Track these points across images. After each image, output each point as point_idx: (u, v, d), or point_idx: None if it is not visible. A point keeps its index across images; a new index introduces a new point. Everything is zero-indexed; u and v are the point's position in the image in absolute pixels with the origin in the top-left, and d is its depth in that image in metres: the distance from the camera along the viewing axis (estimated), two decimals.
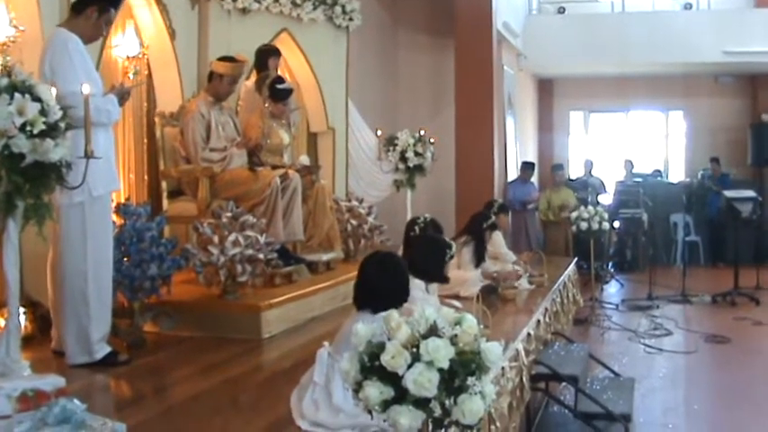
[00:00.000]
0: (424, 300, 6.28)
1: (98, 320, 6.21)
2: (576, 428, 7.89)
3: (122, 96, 6.42)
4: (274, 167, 8.66)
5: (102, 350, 6.23)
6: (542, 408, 8.36)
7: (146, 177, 8.84)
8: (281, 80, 9.25)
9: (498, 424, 5.86)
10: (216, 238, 7.20)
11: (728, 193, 16.12)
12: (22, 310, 5.50)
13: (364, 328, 3.31)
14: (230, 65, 8.48)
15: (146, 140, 8.84)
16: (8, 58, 6.67)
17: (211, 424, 5.03)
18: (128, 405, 5.51)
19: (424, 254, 6.86)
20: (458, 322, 3.27)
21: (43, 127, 4.87)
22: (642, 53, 18.15)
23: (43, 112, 4.91)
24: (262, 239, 7.45)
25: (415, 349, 3.16)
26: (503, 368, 6.18)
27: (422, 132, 11.93)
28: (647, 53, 18.12)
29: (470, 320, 3.28)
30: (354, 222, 10.12)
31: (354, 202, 10.37)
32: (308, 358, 5.67)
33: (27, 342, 5.81)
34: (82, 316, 6.14)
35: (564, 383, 8.04)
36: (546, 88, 22.17)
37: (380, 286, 4.92)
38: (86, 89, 5.37)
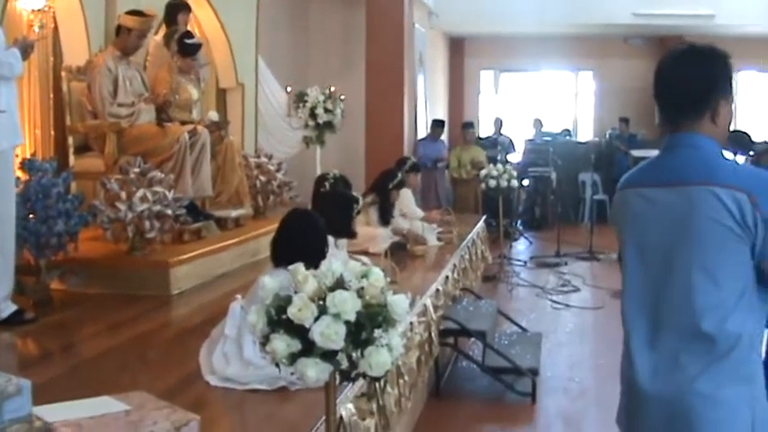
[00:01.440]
0: (333, 255, 6.29)
1: (1, 278, 6.11)
2: (484, 383, 7.99)
3: (26, 50, 6.29)
4: (183, 123, 8.58)
5: (8, 308, 6.14)
6: (451, 363, 8.44)
7: (52, 132, 8.68)
8: (189, 35, 9.15)
9: (407, 378, 5.92)
10: (123, 195, 7.11)
11: (636, 153, 16.36)
12: None
13: (272, 281, 3.31)
14: (139, 19, 8.35)
15: (52, 95, 8.66)
16: None
17: (119, 380, 4.99)
18: (34, 363, 5.48)
19: (332, 209, 6.86)
20: (364, 275, 3.27)
21: None
22: (554, 13, 18.23)
23: None
24: (170, 195, 7.38)
25: (321, 302, 3.16)
26: (411, 323, 6.24)
27: (332, 89, 11.90)
28: (559, 13, 18.21)
29: (377, 273, 3.29)
30: (263, 179, 10.07)
31: (263, 159, 10.32)
32: (218, 314, 5.68)
33: None
34: None
35: (472, 339, 8.13)
36: (457, 47, 22.21)
37: (301, 242, 4.93)
38: None
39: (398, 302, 3.26)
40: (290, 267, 3.30)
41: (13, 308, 6.18)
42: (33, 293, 6.70)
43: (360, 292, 3.21)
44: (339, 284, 3.22)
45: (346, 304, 3.13)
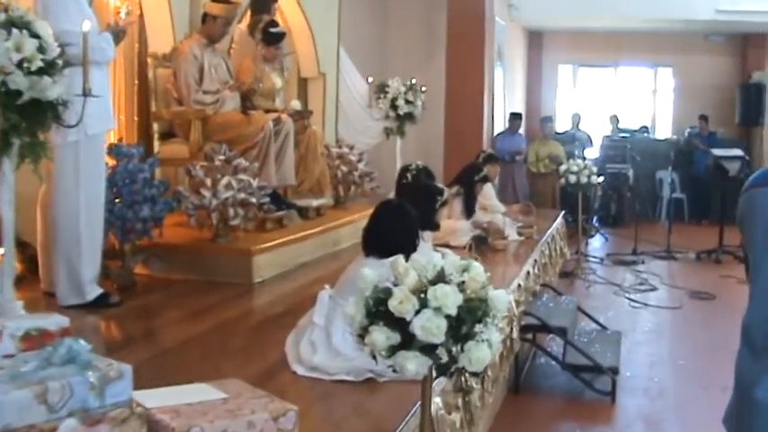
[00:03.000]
0: (420, 247, 6.27)
1: (89, 261, 6.17)
2: (563, 380, 7.93)
3: (118, 35, 6.35)
4: (267, 111, 8.60)
5: (94, 291, 6.20)
6: (530, 359, 8.39)
7: (136, 119, 8.74)
8: (274, 24, 9.17)
9: (490, 373, 5.88)
10: (208, 181, 7.15)
11: (717, 152, 16.13)
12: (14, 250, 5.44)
13: (371, 272, 3.29)
14: (224, 6, 8.38)
15: (136, 81, 8.73)
16: None
17: (203, 368, 5.00)
18: (119, 347, 5.49)
19: (416, 200, 6.81)
20: (465, 269, 3.25)
21: (41, 64, 4.81)
22: (634, 8, 18.03)
23: (41, 49, 4.85)
24: (254, 183, 7.40)
25: (422, 295, 3.14)
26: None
27: (413, 80, 11.87)
28: (639, 8, 18.00)
29: (478, 267, 3.26)
30: (345, 169, 10.07)
31: (345, 149, 10.33)
32: (299, 303, 5.70)
33: (17, 282, 5.75)
34: (73, 256, 6.10)
35: (551, 335, 8.07)
36: (536, 41, 22.06)
37: (393, 233, 4.92)
38: (86, 26, 5.30)
39: (499, 297, 3.23)
40: (390, 259, 3.28)
41: (98, 291, 6.24)
42: (118, 277, 6.75)
43: (461, 286, 3.18)
44: (440, 278, 3.19)
45: (448, 298, 3.10)
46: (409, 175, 8.18)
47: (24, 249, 6.80)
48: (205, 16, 8.45)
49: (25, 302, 5.34)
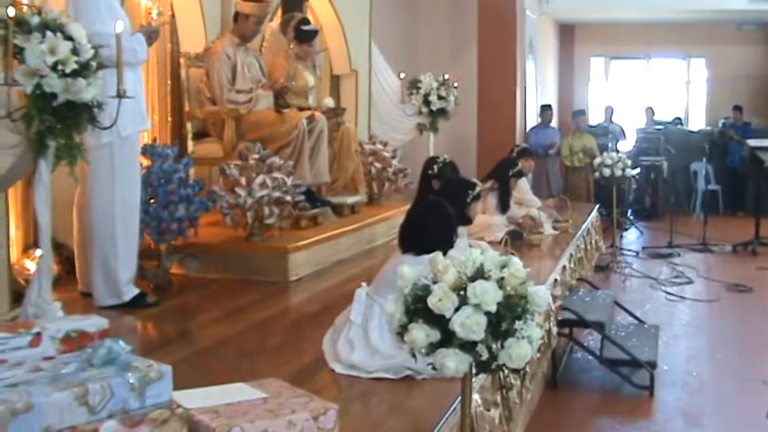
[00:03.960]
0: (456, 243, 6.26)
1: (125, 262, 6.19)
2: (600, 374, 7.89)
3: (150, 36, 6.37)
4: (300, 109, 8.60)
5: (131, 292, 6.22)
6: (567, 353, 8.35)
7: (169, 119, 8.78)
8: (306, 21, 9.18)
9: (528, 369, 5.85)
10: (243, 180, 7.16)
11: (752, 143, 16.02)
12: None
13: (410, 270, 3.29)
14: (256, 4, 8.39)
15: (170, 82, 8.76)
16: None
17: (240, 368, 5.01)
18: (156, 347, 5.50)
19: (448, 195, 6.79)
20: (504, 265, 3.23)
21: (75, 66, 4.82)
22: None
23: (75, 51, 4.86)
24: (289, 181, 7.40)
25: (462, 292, 3.12)
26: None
27: (445, 76, 11.85)
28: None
29: (517, 263, 3.25)
30: (378, 165, 10.08)
31: (378, 146, 10.32)
32: (336, 301, 5.69)
33: (54, 284, 5.77)
34: (109, 257, 6.12)
35: (588, 329, 8.03)
36: (567, 34, 22.01)
37: (431, 230, 4.90)
38: (119, 27, 5.31)
39: (539, 293, 3.22)
40: (429, 256, 3.27)
41: (135, 291, 6.26)
42: (154, 278, 6.76)
43: (500, 283, 3.17)
44: (479, 274, 3.18)
45: (487, 295, 3.09)
46: (435, 167, 8.19)
47: (61, 251, 6.84)
48: (237, 15, 8.47)
49: (63, 303, 5.36)
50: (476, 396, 4.42)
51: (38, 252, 5.37)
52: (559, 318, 7.40)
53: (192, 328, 6.21)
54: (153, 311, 6.22)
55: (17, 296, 5.48)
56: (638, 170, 16.92)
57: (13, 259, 6.25)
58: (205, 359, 5.24)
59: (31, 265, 6.25)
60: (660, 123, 19.76)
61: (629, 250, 14.31)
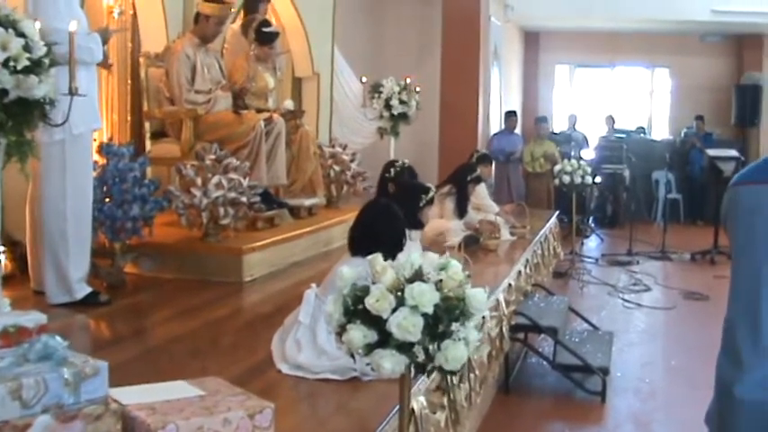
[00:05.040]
0: (407, 247, 6.28)
1: (77, 260, 6.17)
2: (553, 380, 7.95)
3: (106, 38, 6.37)
4: (259, 111, 8.61)
5: (83, 290, 6.20)
6: (521, 358, 8.40)
7: (129, 118, 8.77)
8: (267, 23, 9.19)
9: (478, 372, 5.89)
10: (199, 181, 7.15)
11: (712, 152, 16.19)
12: (1, 248, 5.46)
13: (349, 270, 3.30)
14: (217, 6, 8.39)
15: (129, 81, 8.75)
16: None
17: (191, 366, 5.03)
18: (107, 345, 5.50)
19: (401, 199, 6.82)
20: (443, 268, 3.25)
21: (27, 63, 4.80)
22: (630, 9, 18.04)
23: (27, 48, 4.85)
24: (245, 183, 7.40)
25: (399, 293, 3.15)
26: (483, 317, 6.19)
27: (407, 81, 11.87)
28: (635, 9, 18.02)
29: (456, 266, 3.27)
30: (337, 168, 10.10)
31: (338, 149, 10.34)
32: (289, 302, 5.70)
33: (7, 281, 5.77)
34: (61, 255, 6.11)
35: (543, 335, 8.08)
36: (532, 41, 22.08)
37: (380, 233, 4.92)
38: (73, 26, 5.31)
39: (477, 296, 3.24)
40: (369, 258, 3.29)
41: (88, 290, 6.24)
42: (107, 276, 6.75)
43: (438, 285, 3.19)
44: (417, 276, 3.20)
45: (424, 296, 3.11)
46: (392, 171, 8.24)
47: (15, 248, 6.82)
48: (198, 16, 8.46)
49: (14, 301, 5.34)
50: (421, 398, 4.45)
51: None
52: (513, 322, 7.44)
53: (144, 326, 6.22)
54: (105, 310, 6.21)
55: None
56: (599, 178, 17.03)
57: None
58: (156, 357, 5.25)
59: None
60: (623, 132, 19.86)
61: (589, 257, 14.42)
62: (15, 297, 5.68)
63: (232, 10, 8.80)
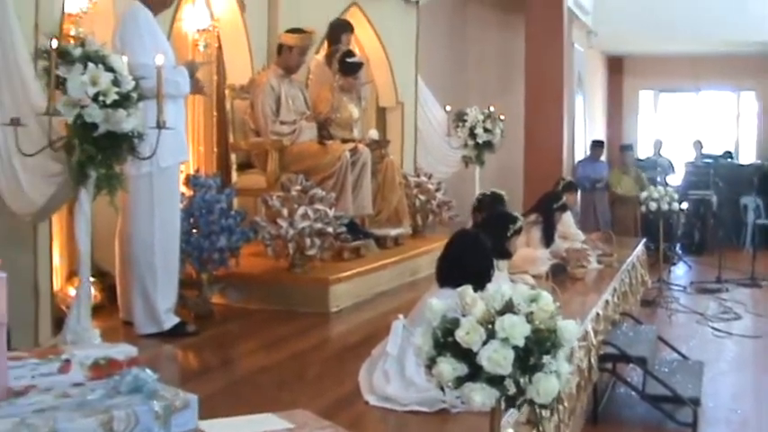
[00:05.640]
0: (495, 277, 6.24)
1: (165, 291, 6.24)
2: (643, 411, 7.80)
3: (193, 71, 6.42)
4: (344, 141, 8.64)
5: (170, 320, 6.25)
6: (609, 389, 8.27)
7: (215, 150, 8.86)
8: (351, 54, 9.21)
9: (566, 404, 5.81)
10: (285, 211, 7.19)
11: None
12: (91, 279, 5.52)
13: (439, 303, 3.28)
14: (299, 36, 8.47)
15: (215, 113, 8.85)
16: (80, 29, 6.68)
17: (278, 398, 5.01)
18: (195, 376, 5.54)
19: (489, 229, 6.78)
20: (534, 299, 3.22)
21: (116, 97, 4.90)
22: (714, 31, 17.82)
23: (116, 83, 4.93)
24: (331, 213, 7.43)
25: (490, 326, 3.12)
26: (572, 348, 6.11)
27: (491, 109, 11.84)
28: (720, 32, 17.79)
29: (546, 298, 3.23)
30: (423, 198, 10.09)
31: (423, 178, 10.34)
32: (376, 333, 5.68)
33: (96, 311, 5.84)
34: (149, 286, 6.17)
35: (631, 365, 7.96)
36: (616, 67, 21.92)
37: (468, 264, 4.89)
38: (160, 60, 5.37)
39: (568, 328, 3.20)
40: (459, 290, 3.26)
41: (175, 320, 6.29)
42: (195, 307, 6.80)
43: (529, 317, 3.16)
44: (508, 308, 3.17)
45: (515, 329, 3.08)
46: (476, 201, 8.22)
47: (104, 279, 6.91)
48: (280, 47, 8.55)
49: (103, 331, 5.42)
50: (510, 431, 4.40)
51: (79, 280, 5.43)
52: (601, 352, 7.34)
53: (231, 357, 6.24)
54: (192, 340, 6.26)
55: (59, 323, 5.55)
56: (686, 204, 16.81)
57: (56, 287, 6.34)
58: (243, 389, 5.25)
59: (73, 293, 6.29)
60: (710, 157, 19.59)
61: (677, 285, 14.19)
62: (104, 327, 5.74)
63: (314, 39, 8.83)
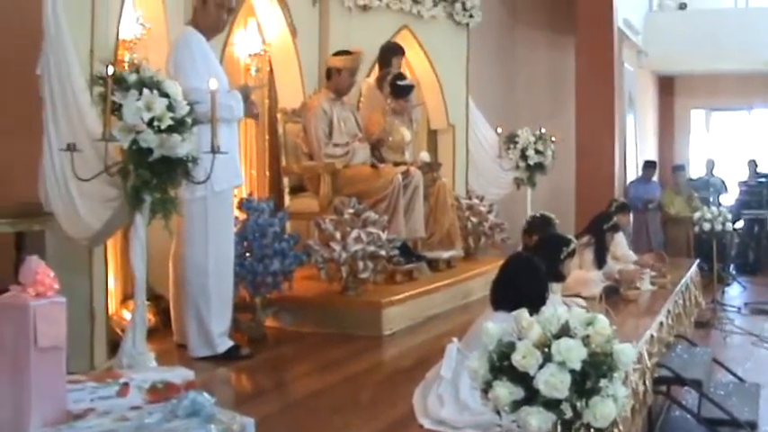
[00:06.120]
0: (549, 300, 6.22)
1: (219, 315, 6.27)
2: None
3: (246, 95, 6.45)
4: (396, 164, 8.66)
5: (224, 344, 6.28)
6: (664, 412, 8.20)
7: (267, 173, 8.93)
8: (402, 77, 9.25)
9: (622, 427, 5.75)
10: (338, 235, 7.22)
11: None
12: (146, 303, 5.55)
13: (495, 326, 3.28)
14: (347, 57, 8.58)
15: (267, 137, 8.92)
16: (135, 55, 6.75)
17: (331, 421, 5.03)
18: (249, 399, 5.56)
19: (542, 251, 6.75)
20: (590, 323, 3.21)
21: (170, 122, 4.94)
22: (765, 49, 17.69)
23: (170, 108, 4.97)
24: (384, 236, 7.45)
25: (546, 349, 3.11)
26: (626, 371, 6.07)
27: (542, 130, 11.82)
28: None
29: (603, 321, 3.22)
30: (475, 220, 10.08)
31: (475, 200, 10.34)
32: (429, 356, 5.67)
33: (151, 334, 5.87)
34: (203, 310, 6.20)
35: (687, 387, 7.88)
36: (666, 86, 21.76)
37: (521, 287, 4.88)
38: (214, 84, 5.41)
39: (625, 351, 3.18)
40: (514, 313, 3.26)
41: (229, 344, 6.32)
42: (249, 330, 6.83)
43: (585, 340, 3.14)
44: (564, 332, 3.16)
45: (572, 353, 3.07)
46: (526, 223, 8.21)
47: (158, 302, 6.96)
48: (329, 71, 8.64)
49: (158, 354, 5.45)
50: None
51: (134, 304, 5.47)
52: (656, 375, 7.28)
53: (284, 380, 6.26)
54: (246, 363, 6.29)
55: (114, 346, 5.59)
56: (740, 224, 16.67)
57: (111, 310, 6.39)
58: (297, 412, 5.26)
59: (128, 316, 6.33)
60: (764, 176, 19.41)
61: (731, 306, 14.03)
62: (159, 350, 5.78)
63: (361, 59, 8.87)
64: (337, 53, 8.72)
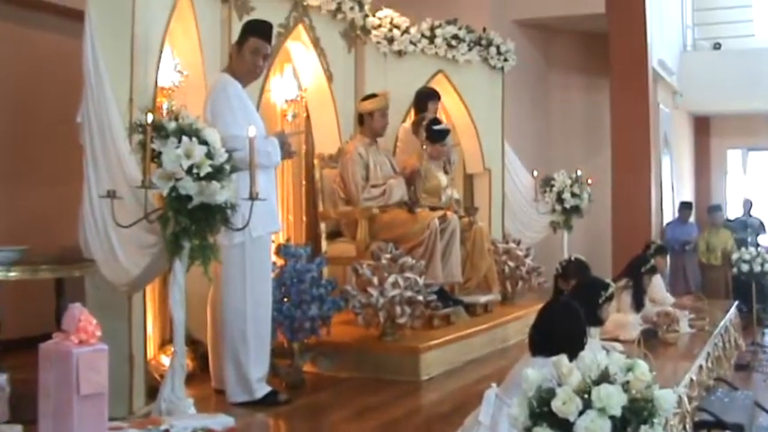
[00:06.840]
0: (588, 344, 6.19)
1: (257, 360, 6.27)
2: None
3: (283, 142, 6.48)
4: (432, 209, 8.67)
5: (262, 389, 6.28)
6: None
7: (304, 218, 8.95)
8: (437, 121, 9.28)
9: None
10: (375, 280, 7.22)
11: None
12: (185, 348, 5.58)
13: (534, 373, 3.27)
14: (375, 99, 8.73)
15: (304, 182, 8.96)
16: (173, 102, 6.81)
17: None
18: None
19: (580, 296, 6.73)
20: (630, 368, 3.20)
21: (209, 170, 4.98)
22: None
23: (209, 155, 5.02)
24: (421, 281, 7.46)
25: (586, 396, 3.10)
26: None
27: (578, 173, 11.81)
28: None
29: (643, 367, 3.21)
30: (512, 264, 10.07)
31: (512, 244, 10.33)
32: (467, 401, 5.65)
33: (188, 380, 5.88)
34: (241, 355, 6.21)
35: None
36: (702, 126, 21.71)
37: (560, 332, 4.86)
38: (252, 131, 5.46)
39: (666, 397, 3.17)
40: (554, 359, 3.25)
41: (267, 389, 6.31)
42: (287, 376, 6.82)
43: (625, 386, 3.14)
44: (604, 378, 3.15)
45: (612, 399, 3.06)
46: (559, 267, 8.21)
47: (196, 347, 6.98)
48: (361, 117, 8.72)
49: (196, 399, 5.46)
50: None
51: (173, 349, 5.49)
52: (696, 419, 7.23)
53: (322, 426, 6.25)
54: (285, 409, 6.27)
55: (152, 391, 5.61)
56: None
57: (149, 355, 6.42)
58: None
59: (166, 361, 6.37)
60: None
61: None
62: (197, 396, 5.78)
63: (389, 98, 8.90)
64: (364, 99, 8.84)
